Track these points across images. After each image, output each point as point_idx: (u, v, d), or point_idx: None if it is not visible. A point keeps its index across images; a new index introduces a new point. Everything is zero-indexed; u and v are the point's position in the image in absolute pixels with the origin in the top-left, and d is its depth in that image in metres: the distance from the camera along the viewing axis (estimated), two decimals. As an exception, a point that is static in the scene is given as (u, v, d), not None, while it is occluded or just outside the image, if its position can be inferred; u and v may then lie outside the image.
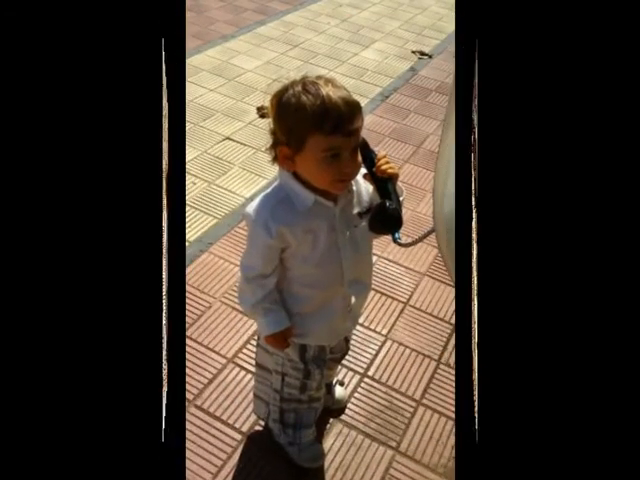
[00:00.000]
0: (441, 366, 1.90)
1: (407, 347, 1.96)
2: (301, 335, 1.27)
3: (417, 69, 3.99)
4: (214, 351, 1.85)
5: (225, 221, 2.41)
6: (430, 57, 4.16)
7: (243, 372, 1.79)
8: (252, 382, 1.63)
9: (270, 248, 1.14)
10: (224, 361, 1.82)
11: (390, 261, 2.33)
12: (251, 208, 1.14)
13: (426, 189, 2.78)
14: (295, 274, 1.21)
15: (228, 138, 2.98)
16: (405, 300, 2.16)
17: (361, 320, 2.01)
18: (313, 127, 1.01)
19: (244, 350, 1.86)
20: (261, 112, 1.14)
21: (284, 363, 1.34)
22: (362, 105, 1.07)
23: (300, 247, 1.15)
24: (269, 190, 1.15)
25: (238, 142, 2.96)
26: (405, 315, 2.09)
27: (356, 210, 1.18)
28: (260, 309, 1.21)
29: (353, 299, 1.27)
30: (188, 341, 1.87)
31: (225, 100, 3.32)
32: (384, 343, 1.97)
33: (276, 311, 1.22)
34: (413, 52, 4.18)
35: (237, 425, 1.64)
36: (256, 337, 1.56)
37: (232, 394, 1.72)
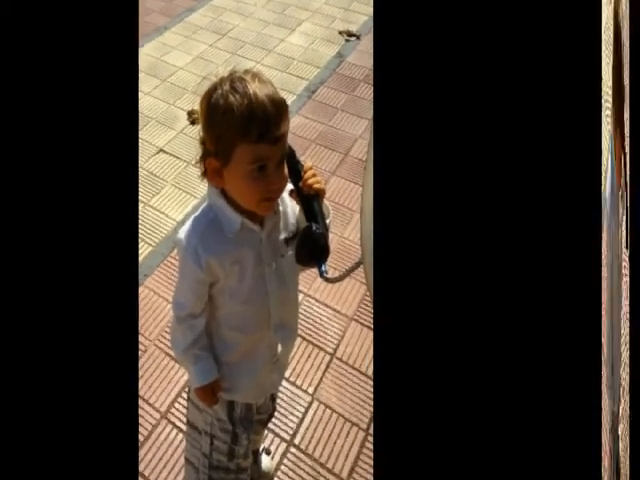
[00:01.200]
0: (369, 437, 1.77)
1: (334, 411, 1.83)
2: (228, 389, 1.22)
3: (344, 55, 3.85)
4: (148, 403, 1.79)
5: (159, 249, 2.34)
6: (358, 38, 4.03)
7: (175, 430, 1.73)
8: (184, 443, 1.56)
9: (199, 283, 1.10)
10: (158, 416, 1.76)
11: (316, 301, 2.17)
12: (182, 233, 1.09)
13: (354, 208, 2.57)
14: (223, 314, 1.16)
15: (162, 150, 2.89)
16: (332, 351, 2.01)
17: (287, 374, 1.89)
18: (240, 134, 0.96)
19: (175, 404, 1.80)
20: (191, 117, 1.07)
21: (213, 423, 1.28)
22: (288, 104, 1.02)
23: (227, 280, 1.10)
24: (198, 212, 1.10)
25: (170, 154, 2.87)
26: (332, 370, 1.95)
27: (283, 235, 1.12)
28: (190, 355, 1.16)
29: (279, 347, 1.23)
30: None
31: (159, 105, 3.23)
32: (310, 404, 1.85)
33: (205, 359, 1.18)
34: (340, 33, 4.07)
35: (171, 494, 1.58)
36: (187, 390, 1.49)
37: (165, 456, 1.66)
